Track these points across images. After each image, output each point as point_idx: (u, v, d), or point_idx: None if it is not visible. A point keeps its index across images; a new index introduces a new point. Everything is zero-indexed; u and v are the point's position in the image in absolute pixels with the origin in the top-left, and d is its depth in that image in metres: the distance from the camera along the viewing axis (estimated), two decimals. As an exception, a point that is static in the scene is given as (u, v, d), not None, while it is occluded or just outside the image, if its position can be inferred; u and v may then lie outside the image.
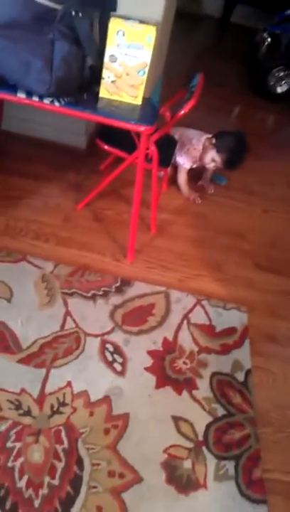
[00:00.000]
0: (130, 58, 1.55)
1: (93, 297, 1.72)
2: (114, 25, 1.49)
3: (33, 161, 2.36)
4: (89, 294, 1.73)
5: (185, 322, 1.74)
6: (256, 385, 1.61)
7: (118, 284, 1.81)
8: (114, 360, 1.53)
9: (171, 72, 3.01)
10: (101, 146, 1.97)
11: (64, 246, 1.92)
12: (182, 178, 2.42)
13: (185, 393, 1.51)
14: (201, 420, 1.45)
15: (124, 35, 1.50)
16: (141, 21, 1.50)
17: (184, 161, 2.37)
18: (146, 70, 1.57)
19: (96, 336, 1.59)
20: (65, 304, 1.67)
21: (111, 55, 1.55)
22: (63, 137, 2.48)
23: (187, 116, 3.25)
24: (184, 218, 2.29)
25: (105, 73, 1.58)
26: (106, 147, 1.97)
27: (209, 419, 1.46)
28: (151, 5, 1.51)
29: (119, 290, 1.79)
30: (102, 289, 1.77)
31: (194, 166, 2.41)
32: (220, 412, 1.49)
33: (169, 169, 2.45)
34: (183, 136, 2.40)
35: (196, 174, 2.55)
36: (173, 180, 2.47)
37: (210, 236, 2.22)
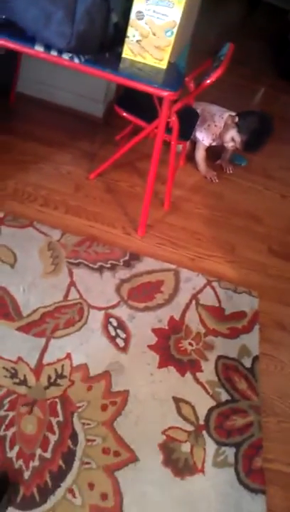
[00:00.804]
0: (158, 16, 1.45)
1: (100, 269, 1.66)
2: (144, -22, 1.39)
3: (47, 126, 2.27)
4: (96, 266, 1.66)
5: (193, 302, 1.67)
6: (263, 373, 1.55)
7: (126, 258, 1.74)
8: (117, 335, 1.47)
9: (197, 45, 2.89)
10: (119, 112, 1.88)
11: (73, 215, 1.85)
12: (200, 155, 2.32)
13: (188, 375, 1.45)
14: (203, 404, 1.40)
15: (153, -11, 1.40)
16: (173, -24, 1.40)
17: (203, 137, 2.27)
18: (175, 30, 1.47)
19: (100, 309, 1.53)
20: (70, 273, 1.60)
21: (139, 12, 1.45)
22: (80, 104, 2.38)
23: (210, 92, 3.13)
24: (199, 196, 2.20)
25: (130, 31, 1.48)
26: (124, 114, 1.87)
27: (212, 403, 1.41)
28: None
29: (128, 264, 1.72)
30: (110, 261, 1.70)
31: (213, 143, 2.31)
32: (224, 396, 1.43)
33: (188, 144, 2.35)
34: (205, 112, 2.30)
35: (215, 153, 2.45)
36: (191, 157, 2.37)
37: (225, 217, 2.14)
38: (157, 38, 1.49)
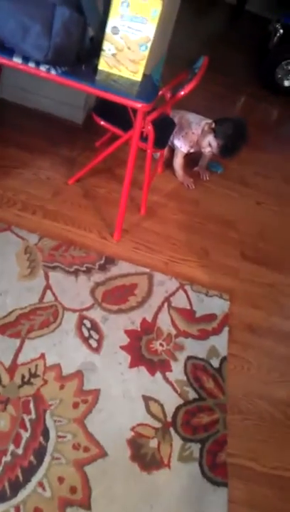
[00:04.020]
0: (133, 32, 1.52)
1: (75, 272, 1.71)
2: (119, -6, 1.46)
3: (27, 132, 2.32)
4: (72, 269, 1.72)
5: (165, 305, 1.74)
6: (231, 372, 1.62)
7: (102, 262, 1.80)
8: (90, 337, 1.53)
9: (177, 54, 2.98)
10: (97, 121, 1.94)
11: (51, 219, 1.90)
12: (178, 162, 2.40)
13: (158, 374, 1.52)
14: (172, 402, 1.46)
15: (128, 6, 1.47)
16: (147, -6, 1.46)
17: (181, 145, 2.34)
18: (149, 45, 1.54)
19: (74, 311, 1.59)
20: (46, 277, 1.66)
21: (114, 27, 1.51)
22: (61, 110, 2.44)
23: (190, 101, 3.21)
24: (176, 202, 2.27)
25: (106, 45, 1.55)
26: (102, 123, 1.93)
27: (179, 401, 1.47)
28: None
29: (103, 268, 1.78)
30: (85, 265, 1.76)
31: (191, 150, 2.38)
32: (192, 395, 1.50)
33: (166, 152, 2.43)
34: (183, 120, 2.37)
35: (193, 160, 2.52)
36: (169, 163, 2.44)
37: (200, 222, 2.21)
38: (132, 52, 1.55)
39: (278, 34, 3.91)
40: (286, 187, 2.73)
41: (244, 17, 5.52)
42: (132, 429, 1.36)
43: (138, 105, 1.54)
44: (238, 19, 5.55)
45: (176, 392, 1.49)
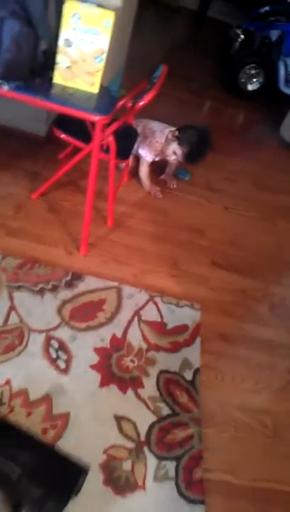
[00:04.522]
0: (86, 44, 1.49)
1: (41, 291, 1.66)
2: (69, 7, 1.43)
3: (-12, 147, 2.26)
4: (37, 288, 1.67)
5: (135, 319, 1.70)
6: (204, 384, 1.60)
7: (68, 278, 1.75)
8: (58, 357, 1.48)
9: (141, 62, 2.96)
10: (57, 134, 1.90)
11: (14, 237, 1.85)
12: (143, 171, 2.38)
13: (130, 392, 1.48)
14: (145, 420, 1.43)
15: (80, 18, 1.44)
16: (100, 5, 1.44)
17: (146, 154, 2.32)
18: (104, 57, 1.51)
19: (41, 331, 1.54)
20: (11, 297, 1.60)
21: (66, 40, 1.48)
22: (22, 123, 2.38)
23: (156, 108, 3.20)
24: (143, 212, 2.25)
25: (60, 58, 1.51)
26: (62, 136, 1.89)
27: (153, 418, 1.44)
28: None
29: (69, 284, 1.74)
30: (51, 282, 1.71)
31: (156, 159, 2.36)
32: (165, 411, 1.47)
33: (131, 161, 2.40)
34: (147, 129, 2.36)
35: (159, 168, 2.51)
36: (135, 173, 2.42)
37: (169, 231, 2.19)
38: (87, 64, 1.53)
39: (239, 39, 3.96)
40: (254, 190, 2.74)
41: (207, 23, 5.57)
42: (105, 451, 1.32)
43: (96, 118, 1.51)
44: (201, 25, 5.59)
45: (149, 409, 1.46)
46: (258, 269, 2.17)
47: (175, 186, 2.51)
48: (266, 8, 3.89)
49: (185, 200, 2.45)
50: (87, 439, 1.32)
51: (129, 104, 2.04)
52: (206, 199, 2.51)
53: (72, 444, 1.30)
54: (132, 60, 3.05)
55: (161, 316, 1.75)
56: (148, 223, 2.19)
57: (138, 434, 1.38)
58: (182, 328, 1.74)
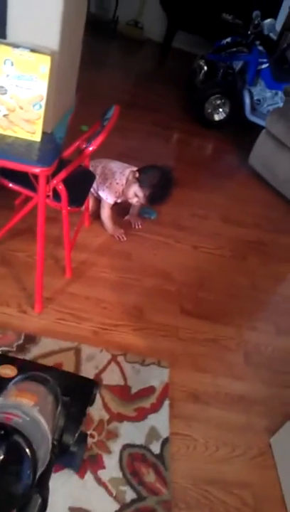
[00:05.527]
0: (22, 90, 1.37)
1: (-13, 361, 1.49)
2: (1, 53, 1.31)
3: None
4: (-17, 357, 1.49)
5: (95, 384, 1.53)
6: (174, 456, 1.43)
7: (21, 342, 1.58)
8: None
9: (107, 97, 2.88)
10: (5, 184, 1.76)
11: None
12: (105, 214, 2.25)
13: (88, 475, 1.30)
14: (105, 509, 1.24)
15: (12, 64, 1.32)
16: (34, 50, 1.33)
17: (106, 196, 2.20)
18: (43, 103, 1.39)
19: (-16, 411, 1.35)
20: None
21: (1, 87, 1.36)
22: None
23: (120, 143, 3.09)
24: (106, 259, 2.11)
25: (-5, 106, 1.39)
26: (10, 185, 1.75)
27: (115, 506, 1.26)
28: (45, 33, 1.34)
29: (22, 349, 1.56)
30: (1, 348, 1.54)
31: (118, 200, 2.24)
32: (129, 496, 1.29)
33: (92, 203, 2.28)
34: (106, 169, 2.24)
35: (123, 208, 2.39)
36: (97, 216, 2.29)
37: (133, 278, 2.05)
38: (25, 111, 1.40)
39: (203, 71, 3.94)
40: (223, 225, 2.63)
41: (172, 53, 5.60)
42: None
43: (37, 170, 1.38)
44: (166, 56, 5.62)
45: (111, 495, 1.28)
46: (230, 313, 2.03)
47: (140, 227, 2.38)
48: (228, 39, 3.89)
49: (151, 242, 2.32)
50: None
51: (83, 146, 1.93)
52: (174, 238, 2.39)
53: None
54: (98, 95, 2.97)
55: (125, 379, 1.59)
56: (111, 270, 2.05)
57: (97, 529, 1.20)
58: (148, 391, 1.58)
